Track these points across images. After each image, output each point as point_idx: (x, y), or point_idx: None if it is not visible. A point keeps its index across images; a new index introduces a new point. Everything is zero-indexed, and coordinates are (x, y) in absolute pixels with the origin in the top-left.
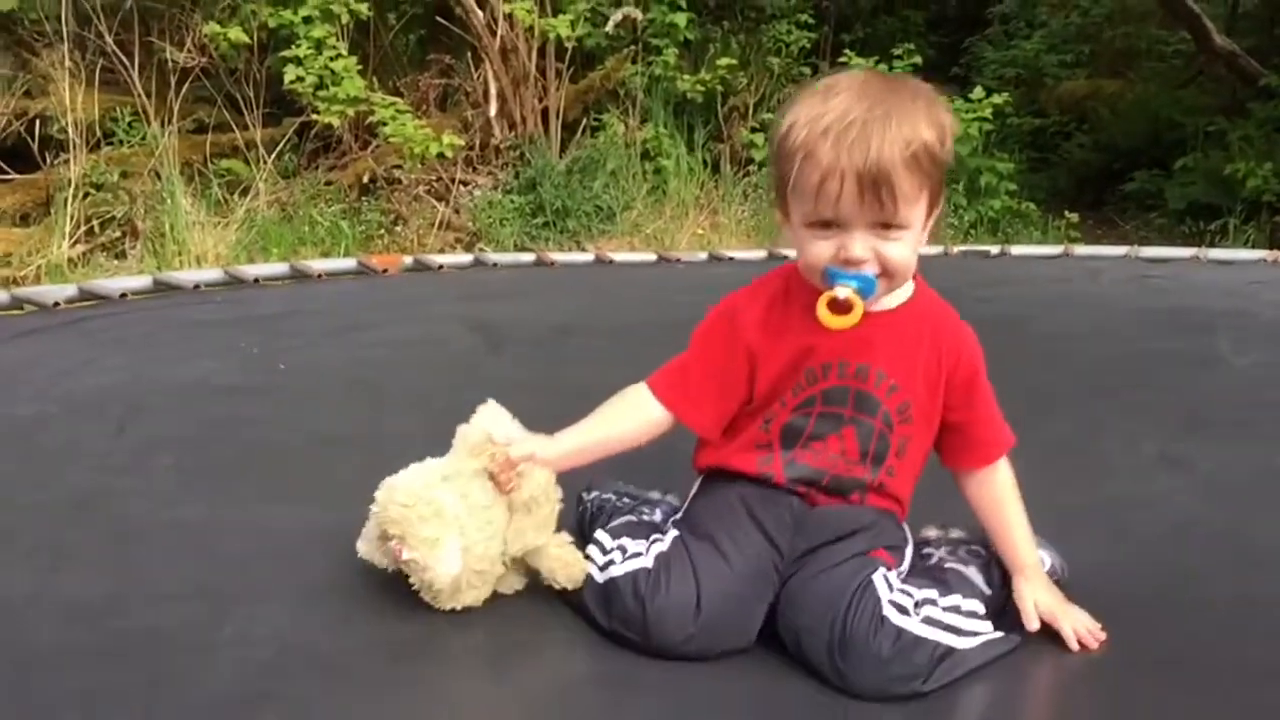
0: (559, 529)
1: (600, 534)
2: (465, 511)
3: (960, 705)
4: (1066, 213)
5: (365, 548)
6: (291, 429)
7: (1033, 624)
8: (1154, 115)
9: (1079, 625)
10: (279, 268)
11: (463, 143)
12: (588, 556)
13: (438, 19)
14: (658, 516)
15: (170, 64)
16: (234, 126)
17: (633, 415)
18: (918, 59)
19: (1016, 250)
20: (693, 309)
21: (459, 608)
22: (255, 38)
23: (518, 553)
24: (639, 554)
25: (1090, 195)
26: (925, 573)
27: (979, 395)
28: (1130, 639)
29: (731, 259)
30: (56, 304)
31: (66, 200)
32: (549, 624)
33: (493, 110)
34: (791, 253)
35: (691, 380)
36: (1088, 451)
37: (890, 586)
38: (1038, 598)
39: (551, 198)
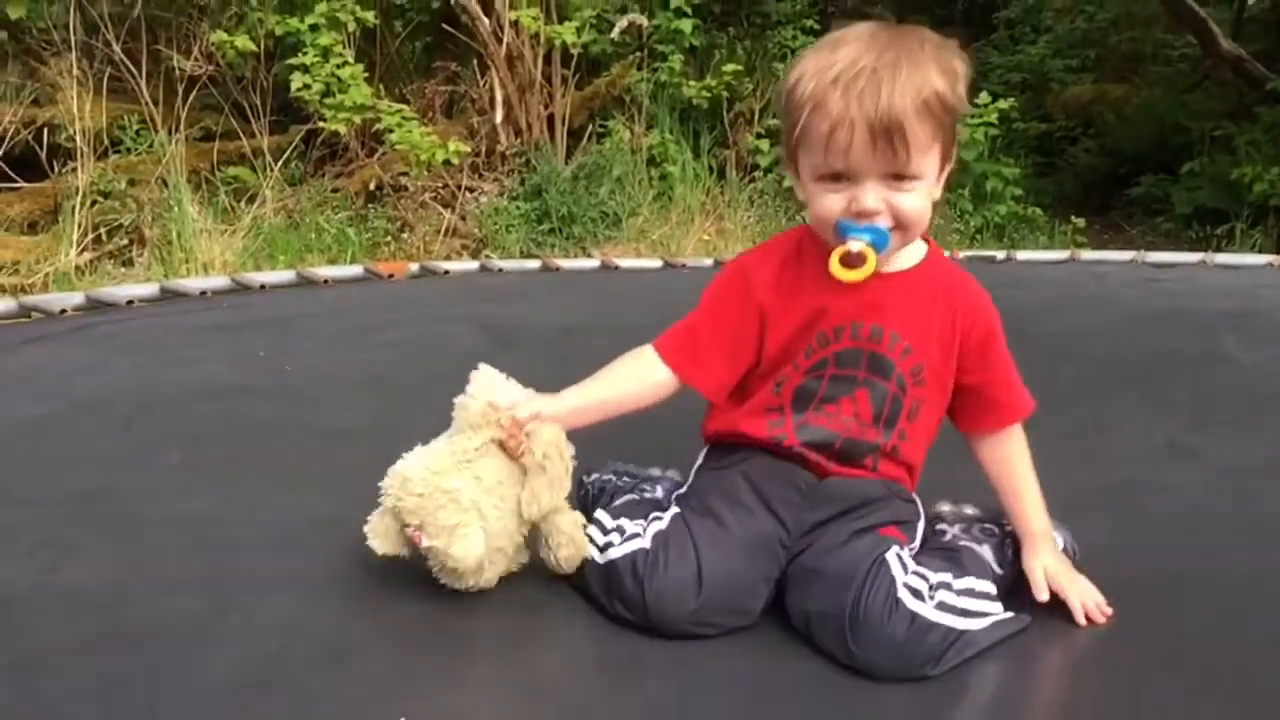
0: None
1: (600, 514)
2: (481, 492)
3: (968, 685)
4: (1073, 218)
5: (380, 544)
6: (297, 425)
7: (1042, 594)
8: (1160, 120)
9: (1087, 599)
10: (285, 275)
11: (469, 149)
12: (589, 538)
13: (444, 26)
14: (659, 493)
15: (177, 72)
16: (241, 134)
17: (637, 376)
18: None
19: (1022, 255)
20: None
21: (478, 587)
22: (262, 46)
23: (535, 516)
24: (637, 535)
25: (1096, 200)
26: (939, 551)
27: (995, 356)
28: (1140, 618)
29: None
30: (63, 311)
31: (74, 208)
32: (553, 608)
33: (499, 117)
34: None
35: (699, 341)
36: (1097, 441)
37: (905, 567)
38: (1047, 565)
39: (557, 204)
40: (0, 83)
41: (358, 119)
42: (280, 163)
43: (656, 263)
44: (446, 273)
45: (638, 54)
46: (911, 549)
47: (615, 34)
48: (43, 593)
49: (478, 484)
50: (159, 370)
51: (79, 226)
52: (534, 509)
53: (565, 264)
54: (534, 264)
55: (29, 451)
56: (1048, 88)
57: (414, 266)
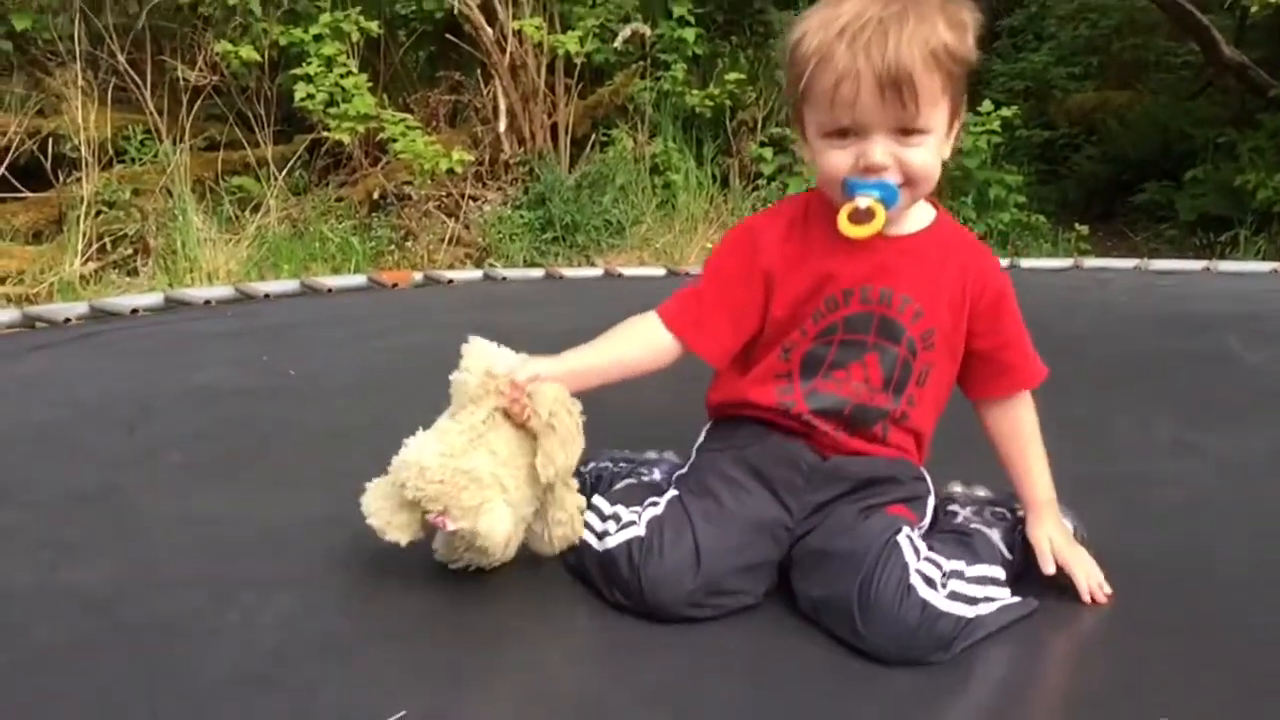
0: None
1: (598, 500)
2: (499, 466)
3: (972, 669)
4: (1076, 225)
5: (401, 534)
6: (299, 426)
7: (1048, 566)
8: (1163, 127)
9: (1090, 575)
10: (290, 284)
11: (472, 158)
12: (587, 525)
13: (447, 36)
14: (656, 476)
15: (182, 82)
16: (245, 144)
17: (639, 340)
18: None
19: (1026, 263)
20: None
21: (501, 561)
22: (266, 56)
23: (553, 479)
24: (632, 522)
25: (1100, 207)
26: (952, 535)
27: (1007, 320)
28: (1143, 603)
29: None
30: (68, 320)
31: (79, 218)
32: (553, 598)
33: (502, 126)
34: None
35: (704, 306)
36: (1101, 436)
37: (917, 552)
38: (1052, 537)
39: (561, 213)
40: (5, 93)
41: (361, 128)
42: (284, 172)
43: (660, 271)
44: (450, 281)
45: (641, 63)
46: (921, 528)
47: (618, 43)
48: (43, 591)
49: (494, 458)
50: (162, 375)
51: (83, 236)
52: (550, 471)
53: (569, 272)
54: (538, 273)
55: (31, 454)
56: (1051, 95)
57: (418, 275)
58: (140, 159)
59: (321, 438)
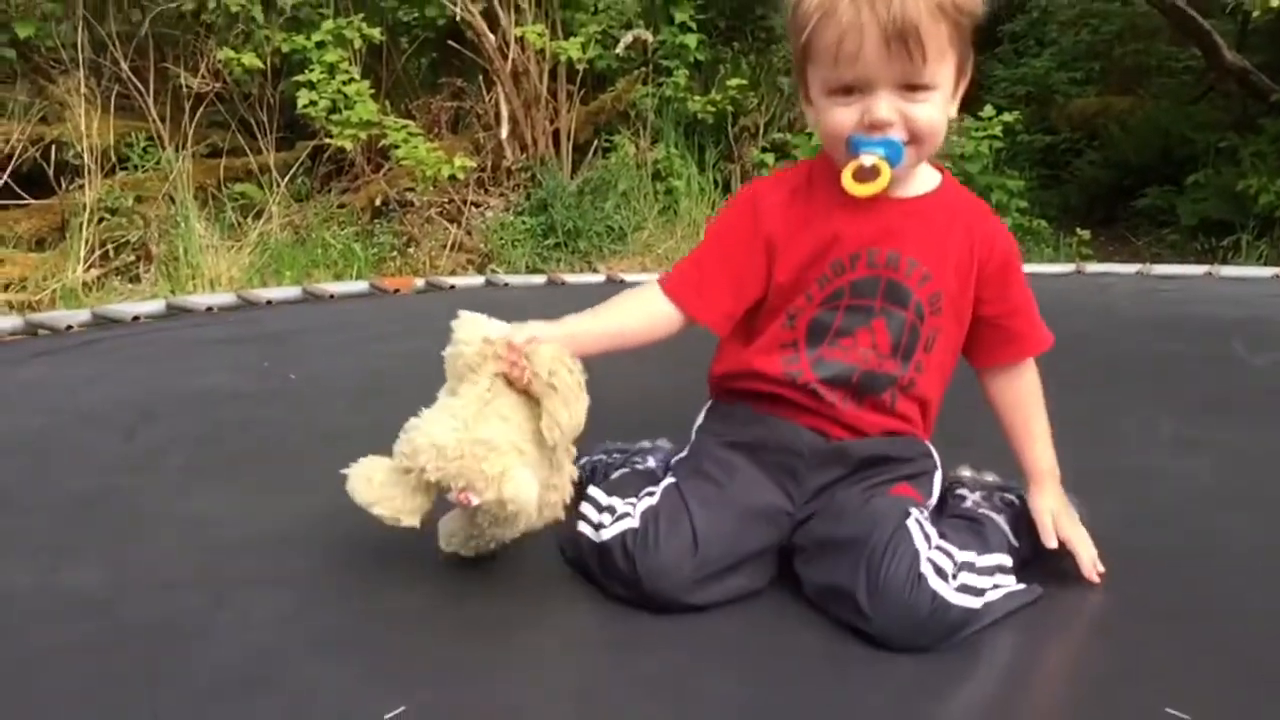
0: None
1: (594, 491)
2: (512, 430)
3: (975, 656)
4: (1078, 230)
5: (411, 517)
6: (299, 428)
7: (1050, 540)
8: (1165, 132)
9: (1088, 550)
10: (291, 291)
11: (474, 165)
12: (583, 516)
13: (449, 43)
14: (652, 463)
15: (185, 89)
16: (248, 151)
17: (638, 309)
18: None
19: (1027, 268)
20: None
21: (529, 529)
22: (269, 63)
23: (559, 440)
24: (627, 514)
25: (1102, 212)
26: (963, 522)
27: (1014, 286)
28: (1145, 591)
29: None
30: (69, 328)
31: (81, 225)
32: (552, 591)
33: (504, 132)
34: None
35: (705, 273)
36: (1104, 432)
37: (928, 539)
38: (1054, 509)
39: (563, 219)
40: (9, 101)
41: (364, 135)
42: (287, 179)
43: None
44: (452, 287)
45: (643, 69)
46: (928, 507)
47: (620, 49)
48: (42, 593)
49: (506, 424)
50: (163, 381)
51: (86, 243)
52: (556, 432)
53: (571, 278)
54: (539, 279)
55: (32, 459)
56: (1052, 100)
57: (420, 282)
58: (143, 166)
59: (322, 441)
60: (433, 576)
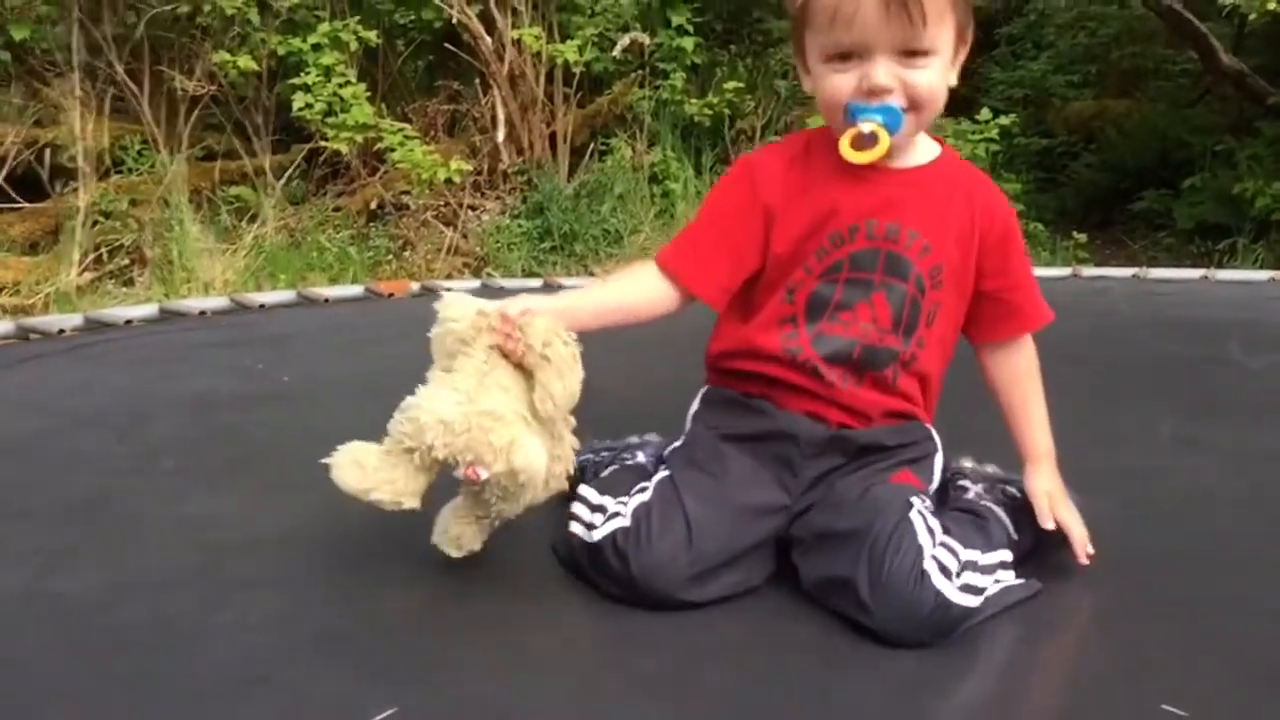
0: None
1: (585, 490)
2: (514, 400)
3: (973, 651)
4: (1074, 233)
5: (414, 503)
6: (293, 431)
7: (1047, 521)
8: (1162, 135)
9: (1083, 535)
10: (286, 295)
11: (470, 168)
12: (575, 516)
13: (446, 46)
14: (642, 458)
15: (180, 92)
16: (243, 154)
17: (633, 284)
18: None
19: None
20: (695, 319)
21: (538, 501)
22: (264, 65)
23: (552, 413)
24: (618, 513)
25: (1098, 215)
26: (966, 515)
27: (1015, 259)
28: (1144, 589)
29: None
30: (61, 332)
31: (75, 228)
32: (547, 590)
33: (500, 135)
34: None
35: (700, 245)
36: (1102, 432)
37: (931, 533)
38: (1050, 491)
39: (559, 222)
40: (3, 103)
41: (360, 138)
42: (282, 182)
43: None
44: (449, 291)
45: (640, 72)
46: (929, 494)
47: (617, 52)
48: (35, 597)
49: (507, 394)
50: (156, 384)
51: (80, 247)
52: (549, 405)
53: (567, 282)
54: (536, 282)
55: (24, 464)
56: (1049, 103)
57: (415, 285)
58: (137, 169)
59: (315, 443)
60: (427, 577)
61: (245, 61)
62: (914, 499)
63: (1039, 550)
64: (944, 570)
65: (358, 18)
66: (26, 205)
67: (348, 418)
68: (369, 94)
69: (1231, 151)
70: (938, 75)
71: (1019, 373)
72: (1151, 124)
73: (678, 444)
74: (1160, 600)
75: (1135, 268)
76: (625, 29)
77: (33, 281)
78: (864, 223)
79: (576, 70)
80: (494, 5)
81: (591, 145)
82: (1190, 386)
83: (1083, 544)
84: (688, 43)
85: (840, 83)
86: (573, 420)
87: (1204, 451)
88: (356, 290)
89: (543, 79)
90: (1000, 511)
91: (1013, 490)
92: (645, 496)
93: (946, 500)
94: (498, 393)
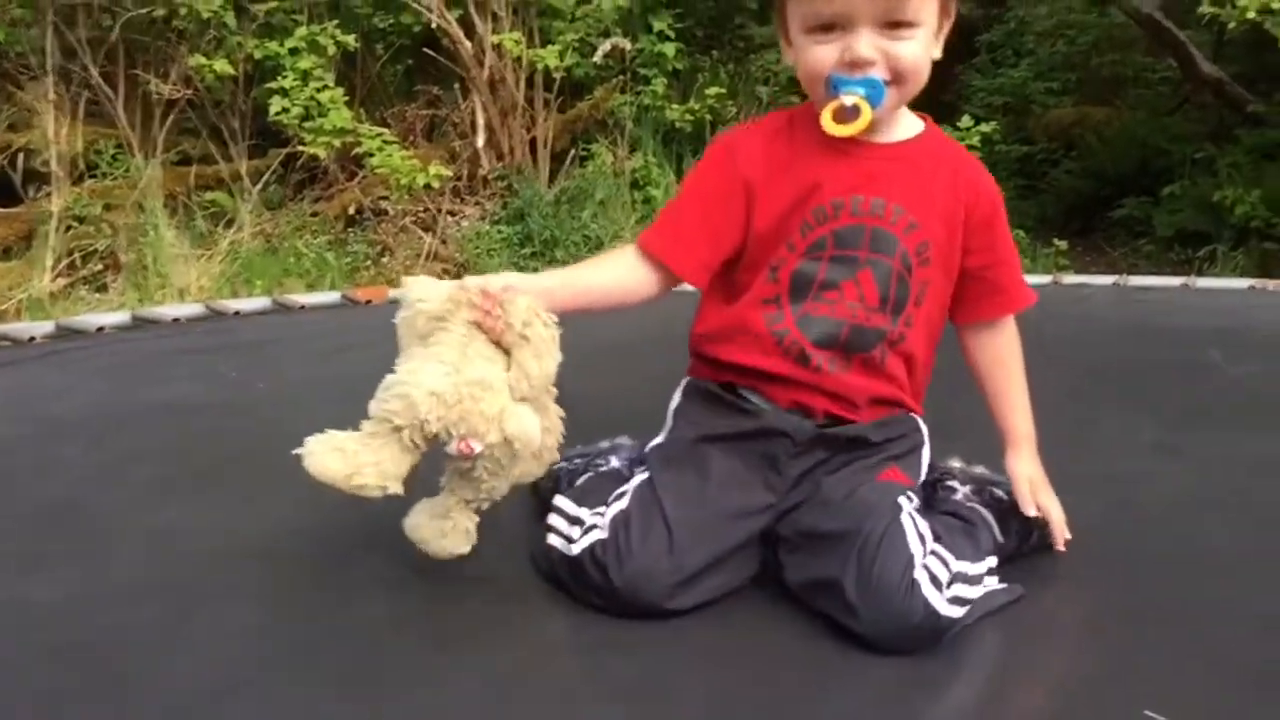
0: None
1: (560, 500)
2: (500, 370)
3: (955, 658)
4: (1055, 240)
5: (399, 488)
6: (268, 438)
7: (1029, 507)
8: (1142, 142)
9: (1061, 519)
10: (260, 302)
11: (450, 173)
12: (553, 528)
13: (425, 50)
14: (615, 463)
15: (155, 96)
16: (219, 158)
17: (612, 264)
18: None
19: None
20: (668, 327)
21: (534, 476)
22: (241, 69)
23: (528, 394)
24: (595, 525)
25: (1079, 222)
26: (956, 521)
27: (1000, 237)
28: (1126, 594)
29: None
30: (33, 338)
31: (49, 233)
32: (524, 599)
33: (480, 141)
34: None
35: (680, 223)
36: (1084, 438)
37: (922, 539)
38: (1031, 476)
39: (540, 228)
40: None
41: (338, 143)
42: (259, 187)
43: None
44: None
45: (621, 77)
46: (916, 491)
47: (598, 58)
48: (6, 605)
49: (491, 364)
50: (130, 391)
51: (53, 252)
52: (524, 385)
53: None
54: None
55: None
56: (1030, 110)
57: (393, 292)
58: (112, 174)
59: (290, 449)
60: (402, 586)
61: (221, 65)
62: (902, 499)
63: (1022, 553)
64: (935, 581)
65: (336, 22)
66: None
67: (323, 426)
68: (347, 98)
69: (1211, 159)
70: (921, 47)
71: (1002, 354)
72: (1131, 131)
73: (658, 441)
74: (1144, 605)
75: (1116, 275)
76: (606, 34)
77: (5, 287)
78: (849, 198)
79: (557, 75)
80: (474, 10)
81: (572, 151)
82: (1171, 393)
83: (1061, 528)
84: (669, 48)
85: (822, 54)
86: (554, 391)
87: (1185, 458)
88: (333, 297)
89: (523, 84)
90: (988, 515)
91: (1000, 493)
92: (623, 504)
93: (934, 498)
94: (482, 363)
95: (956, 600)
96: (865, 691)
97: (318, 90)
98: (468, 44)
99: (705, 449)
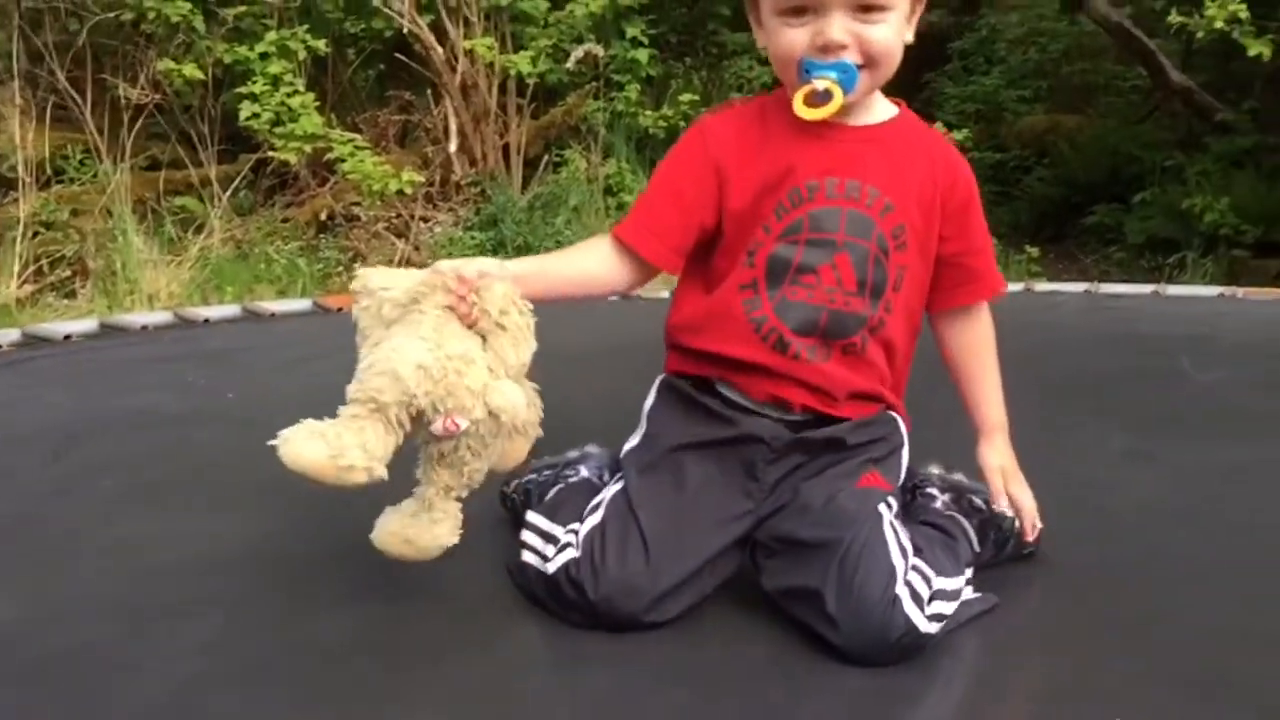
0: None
1: (533, 516)
2: (478, 347)
3: (927, 669)
4: (1027, 247)
5: (383, 471)
6: (235, 449)
7: (1001, 499)
8: (1113, 150)
9: (1032, 509)
10: (230, 309)
11: (422, 179)
12: (527, 544)
13: (397, 55)
14: (585, 473)
15: (123, 101)
16: (188, 163)
17: (585, 252)
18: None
19: None
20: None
21: (520, 458)
22: (210, 74)
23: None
24: (569, 544)
25: (1050, 229)
26: (936, 533)
27: (975, 223)
28: (1096, 604)
29: None
30: None
31: (15, 239)
32: (490, 613)
33: (453, 146)
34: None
35: (651, 209)
36: (1053, 446)
37: (904, 552)
38: (1004, 466)
39: (513, 234)
40: None
41: (309, 148)
42: (229, 192)
43: (614, 295)
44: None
45: (594, 84)
46: (896, 496)
47: (571, 64)
48: None
49: (470, 340)
50: (94, 401)
51: (20, 258)
52: (501, 373)
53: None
54: None
55: None
56: (1002, 118)
57: (352, 285)
58: (79, 179)
59: (257, 462)
60: (367, 599)
61: (190, 70)
62: (882, 507)
63: (998, 561)
64: (915, 597)
65: (306, 26)
66: None
67: None
68: (318, 103)
69: (1181, 167)
70: (894, 31)
71: (976, 342)
72: (1102, 139)
73: (633, 444)
74: (1112, 616)
75: (1087, 282)
76: (579, 40)
77: None
78: (824, 180)
79: (530, 81)
80: (446, 15)
81: (546, 157)
82: (1142, 401)
83: (1032, 519)
84: (642, 55)
85: (794, 37)
86: (532, 339)
87: (1156, 465)
88: (304, 304)
89: (496, 90)
90: (966, 524)
91: (979, 501)
92: (597, 518)
93: (913, 505)
94: (462, 339)
95: (936, 617)
96: (840, 702)
97: (288, 95)
98: (440, 49)
99: (681, 457)
